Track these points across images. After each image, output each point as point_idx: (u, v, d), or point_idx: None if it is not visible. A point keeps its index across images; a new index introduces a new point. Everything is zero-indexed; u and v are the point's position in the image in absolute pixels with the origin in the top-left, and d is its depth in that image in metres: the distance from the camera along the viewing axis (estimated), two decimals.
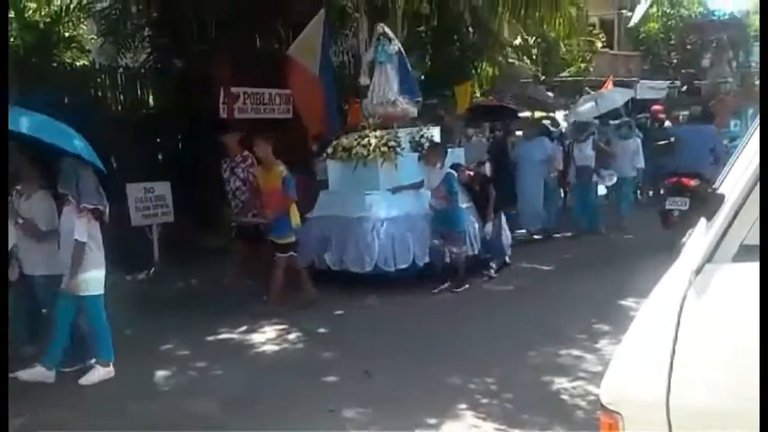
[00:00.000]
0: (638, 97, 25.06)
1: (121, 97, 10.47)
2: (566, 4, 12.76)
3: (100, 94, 10.17)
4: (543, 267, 8.10)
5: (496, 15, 12.77)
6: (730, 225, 1.79)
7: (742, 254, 1.78)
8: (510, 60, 18.31)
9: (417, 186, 7.19)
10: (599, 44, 23.96)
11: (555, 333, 5.32)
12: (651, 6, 28.45)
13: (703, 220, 1.87)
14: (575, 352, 4.90)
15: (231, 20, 9.96)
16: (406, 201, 7.29)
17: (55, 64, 10.23)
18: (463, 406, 4.12)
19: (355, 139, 7.48)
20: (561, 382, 4.37)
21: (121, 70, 10.65)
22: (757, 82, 13.44)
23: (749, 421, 1.70)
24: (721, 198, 1.80)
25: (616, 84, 19.07)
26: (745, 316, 1.74)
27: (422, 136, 7.68)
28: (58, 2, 11.78)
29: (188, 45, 10.22)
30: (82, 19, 12.06)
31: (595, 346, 4.96)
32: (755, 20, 30.18)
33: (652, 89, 23.67)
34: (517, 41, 18.88)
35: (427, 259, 7.03)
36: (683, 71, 17.21)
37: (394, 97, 7.54)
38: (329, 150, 7.70)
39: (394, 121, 7.73)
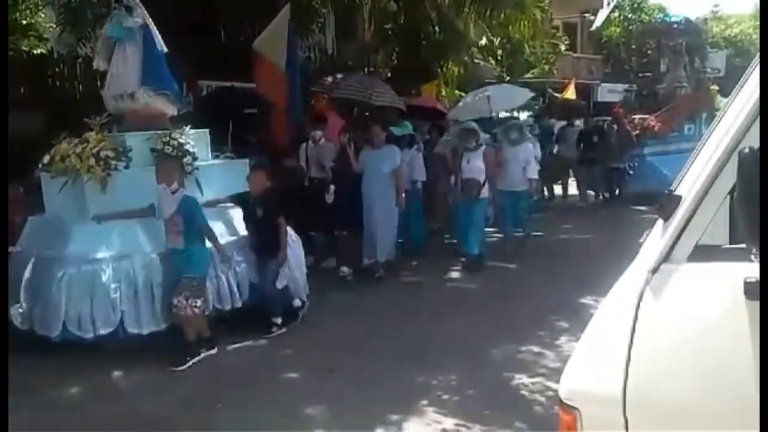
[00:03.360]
0: (598, 99, 25.64)
1: (80, 87, 10.22)
2: (531, 6, 12.95)
3: (58, 83, 9.92)
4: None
5: (462, 15, 12.87)
6: (686, 226, 1.84)
7: (697, 254, 1.84)
8: (476, 60, 18.46)
9: (142, 214, 5.16)
10: (563, 47, 24.32)
11: None
12: (613, 11, 29.04)
13: (660, 221, 1.92)
14: None
15: (196, 13, 9.81)
16: (127, 235, 5.17)
17: (11, 52, 9.93)
18: (425, 402, 4.15)
19: (75, 145, 5.38)
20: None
21: (80, 60, 10.39)
22: (713, 87, 13.76)
23: (703, 416, 1.76)
24: (677, 199, 1.85)
25: (578, 87, 19.43)
26: (700, 315, 1.80)
27: (169, 143, 5.53)
28: None
29: None
30: (40, 7, 11.74)
31: None
32: (711, 26, 31.15)
33: (611, 92, 24.15)
34: (483, 42, 19.02)
35: (159, 324, 5.08)
36: (640, 75, 17.54)
37: (133, 89, 5.71)
38: (45, 159, 5.49)
39: (141, 122, 5.76)
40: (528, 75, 21.95)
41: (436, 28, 13.41)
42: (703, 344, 1.78)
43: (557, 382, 2.05)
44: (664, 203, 1.88)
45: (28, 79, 8.99)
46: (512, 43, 20.22)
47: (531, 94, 10.81)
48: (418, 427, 3.88)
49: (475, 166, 7.47)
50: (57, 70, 9.95)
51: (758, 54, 1.84)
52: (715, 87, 13.76)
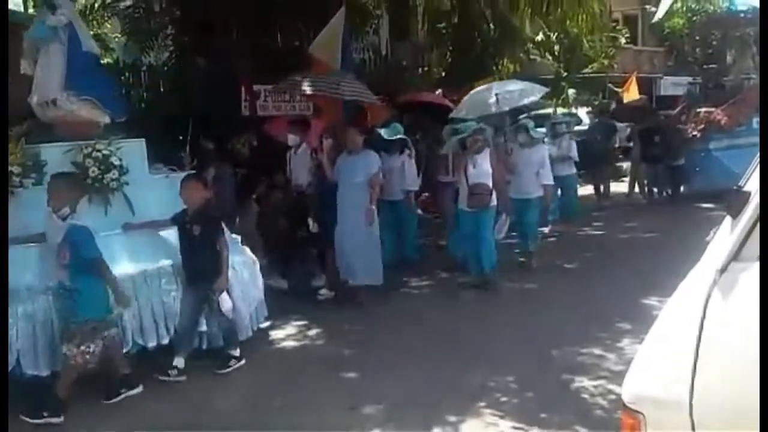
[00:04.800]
0: (661, 93, 24.86)
1: (145, 95, 10.62)
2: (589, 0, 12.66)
3: (124, 91, 10.33)
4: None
5: (517, 11, 12.70)
6: (755, 223, 1.76)
7: None
8: (532, 56, 18.21)
9: (30, 240, 4.48)
10: (623, 40, 23.73)
11: None
12: (675, 1, 28.06)
13: (728, 218, 1.84)
14: None
15: (252, 18, 10.03)
16: (24, 264, 4.39)
17: None
18: (482, 404, 4.11)
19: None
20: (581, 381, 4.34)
21: (144, 68, 10.79)
22: None
23: None
24: (746, 195, 1.78)
25: (640, 81, 18.85)
26: None
27: (91, 155, 4.78)
28: (83, 1, 11.96)
29: (210, 43, 10.31)
30: (106, 18, 12.25)
31: None
32: None
33: (675, 85, 23.36)
34: (539, 37, 18.76)
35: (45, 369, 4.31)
36: (705, 67, 16.89)
37: (55, 95, 5.01)
38: None
39: (72, 132, 5.06)
40: (587, 70, 21.52)
41: (491, 25, 13.29)
42: None
43: (620, 385, 2.00)
44: (732, 200, 1.81)
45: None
46: (570, 38, 19.90)
47: (545, 91, 9.68)
48: (474, 429, 3.83)
49: (482, 170, 6.61)
50: (122, 78, 10.36)
51: (759, 53, 1.75)
52: None
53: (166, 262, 4.89)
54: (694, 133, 11.96)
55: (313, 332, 5.78)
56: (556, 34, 19.71)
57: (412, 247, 7.91)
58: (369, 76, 11.25)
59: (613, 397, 3.90)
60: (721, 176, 10.72)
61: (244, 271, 5.29)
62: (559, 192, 9.55)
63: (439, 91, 11.72)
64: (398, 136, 7.58)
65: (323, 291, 6.68)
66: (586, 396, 4.15)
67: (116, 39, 12.98)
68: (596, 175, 12.56)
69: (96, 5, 11.61)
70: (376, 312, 6.21)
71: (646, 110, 13.53)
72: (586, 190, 12.47)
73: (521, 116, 8.78)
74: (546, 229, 8.89)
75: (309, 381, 4.64)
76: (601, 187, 12.64)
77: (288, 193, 7.32)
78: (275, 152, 7.91)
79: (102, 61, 11.42)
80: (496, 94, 8.53)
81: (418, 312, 6.23)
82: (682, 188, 12.22)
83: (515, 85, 9.42)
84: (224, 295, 4.75)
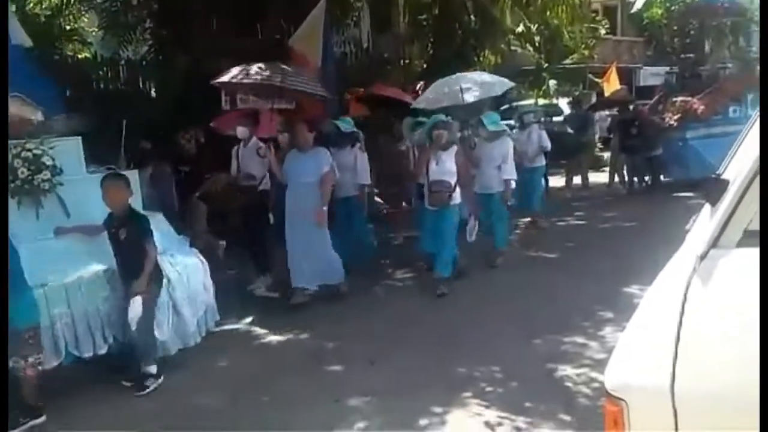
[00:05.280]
0: (641, 83, 25.04)
1: (123, 89, 10.49)
2: None
3: (102, 86, 10.19)
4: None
5: (498, 2, 12.72)
6: (734, 210, 1.78)
7: (746, 239, 1.78)
8: (513, 47, 18.24)
9: None
10: (603, 31, 23.83)
11: None
12: None
13: (707, 206, 1.86)
14: None
15: (232, 12, 9.93)
16: None
17: (57, 57, 10.23)
18: (468, 394, 4.13)
19: None
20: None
21: (122, 62, 10.65)
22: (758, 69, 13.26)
23: (754, 406, 1.70)
24: (725, 183, 1.79)
25: (620, 71, 18.96)
26: (750, 301, 1.74)
27: (20, 155, 4.50)
28: None
29: (190, 37, 10.20)
30: (83, 12, 12.08)
31: None
32: (756, 5, 30.03)
33: (654, 75, 23.53)
34: (520, 28, 18.77)
35: None
36: (682, 56, 17.00)
37: None
38: None
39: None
40: (567, 61, 21.61)
41: (472, 16, 13.29)
42: (753, 331, 1.72)
43: (602, 373, 2.01)
44: (711, 188, 1.82)
45: (73, 83, 9.24)
46: (550, 29, 19.94)
47: (509, 86, 9.22)
48: (459, 419, 3.86)
49: (445, 167, 6.35)
50: (101, 73, 10.23)
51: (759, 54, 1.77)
52: None
53: (100, 268, 4.56)
54: (671, 122, 12.02)
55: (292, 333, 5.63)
56: (536, 25, 19.72)
57: (368, 243, 7.63)
58: (350, 68, 11.21)
59: (596, 385, 3.95)
60: (697, 166, 10.82)
61: (191, 274, 5.01)
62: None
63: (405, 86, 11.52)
64: (349, 130, 7.31)
65: (261, 288, 6.56)
66: (569, 384, 4.18)
67: (93, 33, 12.78)
68: (572, 166, 12.63)
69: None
70: (352, 307, 6.16)
71: (625, 101, 13.60)
72: (559, 181, 12.58)
73: (487, 109, 8.37)
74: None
75: (293, 374, 4.65)
76: (573, 179, 12.71)
77: (238, 188, 6.76)
78: (224, 147, 7.30)
79: (80, 56, 11.33)
80: (460, 86, 8.20)
81: (395, 306, 6.20)
82: (661, 177, 12.33)
83: (480, 77, 9.08)
84: (136, 300, 4.33)
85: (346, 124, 7.42)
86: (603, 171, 13.76)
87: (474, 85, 8.42)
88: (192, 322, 4.98)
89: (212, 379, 4.69)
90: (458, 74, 8.93)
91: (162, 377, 4.55)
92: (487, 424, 3.77)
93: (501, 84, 8.88)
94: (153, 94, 10.95)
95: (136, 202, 4.86)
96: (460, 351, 4.84)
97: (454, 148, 6.52)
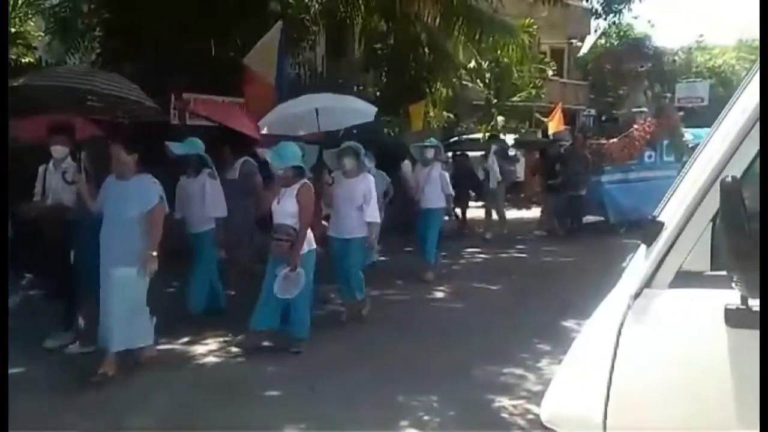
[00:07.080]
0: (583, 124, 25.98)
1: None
2: (519, 30, 13.15)
3: None
4: None
5: (451, 37, 13.02)
6: (668, 252, 1.85)
7: (679, 280, 1.85)
8: (464, 82, 18.68)
9: None
10: (550, 72, 24.68)
11: None
12: (600, 37, 29.55)
13: (642, 246, 1.93)
14: None
15: (186, 27, 9.81)
16: None
17: None
18: (405, 422, 4.11)
19: None
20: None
21: None
22: (680, 114, 13.46)
23: None
24: (660, 225, 1.87)
25: (564, 112, 19.59)
26: (681, 340, 1.81)
27: None
28: None
29: (140, 48, 10.01)
30: (29, 15, 11.73)
31: None
32: (696, 56, 31.73)
33: (588, 117, 24.48)
34: (472, 64, 19.27)
35: None
36: (591, 97, 17.45)
37: None
38: None
39: None
40: (515, 98, 22.23)
41: (426, 49, 13.56)
42: (683, 370, 1.78)
43: (538, 405, 2.04)
44: (646, 229, 1.89)
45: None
46: (500, 67, 20.54)
47: (371, 116, 7.52)
48: None
49: (284, 208, 5.29)
50: None
51: (743, 83, 1.87)
52: (681, 114, 13.33)
53: None
54: (587, 165, 11.76)
55: None
56: (487, 62, 20.33)
57: (219, 292, 6.46)
58: (303, 91, 11.21)
59: (531, 416, 4.00)
60: (611, 210, 11.02)
61: None
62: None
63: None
64: (194, 152, 6.20)
65: (72, 346, 5.23)
66: (505, 415, 4.22)
67: (39, 38, 12.40)
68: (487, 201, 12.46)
69: (20, 2, 11.09)
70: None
71: (550, 142, 13.65)
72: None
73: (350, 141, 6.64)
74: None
75: None
76: (466, 213, 12.73)
77: (43, 213, 5.40)
78: (29, 160, 5.59)
79: (23, 60, 10.94)
80: (316, 109, 7.00)
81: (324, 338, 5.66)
82: (583, 219, 12.08)
83: (343, 103, 7.78)
84: None
85: (192, 146, 6.24)
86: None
87: (334, 110, 7.26)
88: None
89: None
90: (316, 95, 7.89)
91: None
92: None
93: (365, 113, 7.53)
94: None
95: None
96: (398, 380, 4.82)
97: (300, 183, 5.33)
